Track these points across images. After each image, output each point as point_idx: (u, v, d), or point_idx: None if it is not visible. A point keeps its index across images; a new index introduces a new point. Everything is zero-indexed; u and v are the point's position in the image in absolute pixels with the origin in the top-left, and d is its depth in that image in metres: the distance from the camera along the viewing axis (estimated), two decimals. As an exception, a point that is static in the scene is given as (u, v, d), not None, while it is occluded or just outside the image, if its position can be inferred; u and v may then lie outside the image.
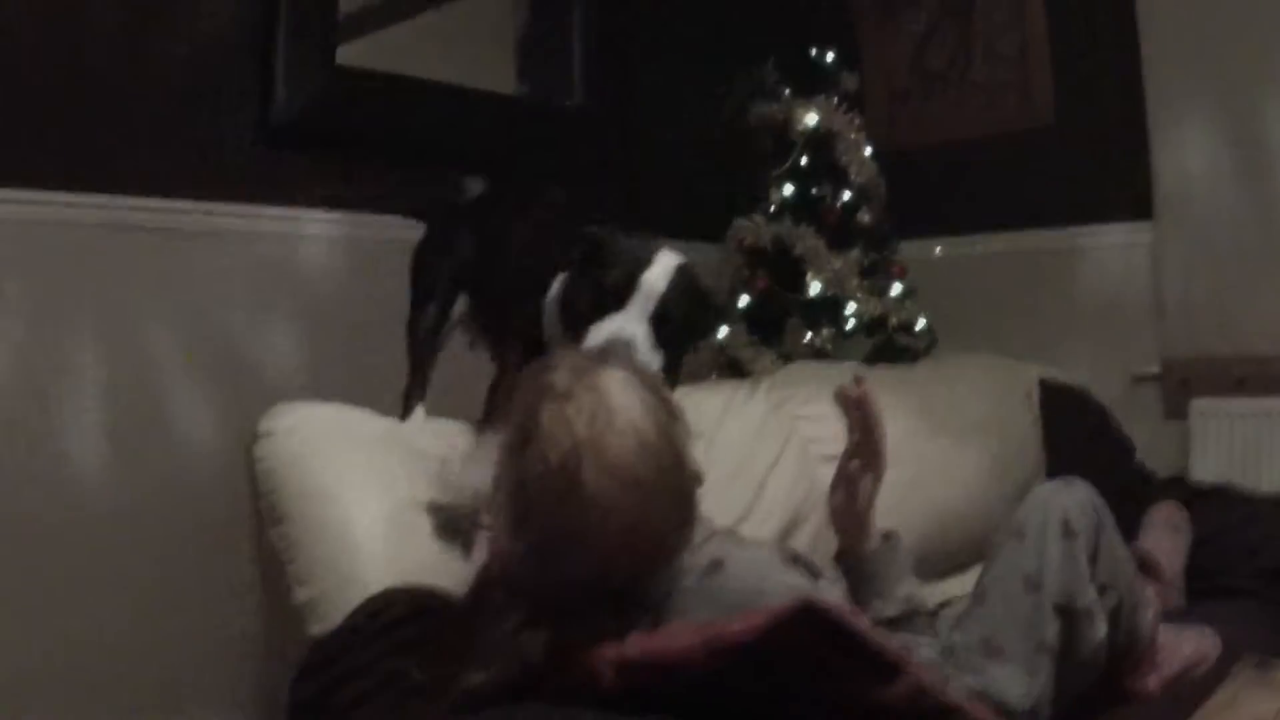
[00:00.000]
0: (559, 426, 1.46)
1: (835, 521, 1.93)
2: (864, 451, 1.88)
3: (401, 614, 1.71)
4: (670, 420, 1.54)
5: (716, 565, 1.56)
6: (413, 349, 2.15)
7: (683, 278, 1.83)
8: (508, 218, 2.19)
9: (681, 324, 1.81)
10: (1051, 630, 1.68)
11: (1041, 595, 1.69)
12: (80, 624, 2.42)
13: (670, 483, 1.50)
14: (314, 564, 1.78)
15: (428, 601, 1.74)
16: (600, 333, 1.74)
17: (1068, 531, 1.72)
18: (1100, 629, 1.72)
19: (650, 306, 1.77)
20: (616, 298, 1.77)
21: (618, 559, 1.47)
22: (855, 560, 1.88)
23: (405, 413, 2.08)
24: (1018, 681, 1.66)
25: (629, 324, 1.75)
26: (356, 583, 1.74)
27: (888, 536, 1.91)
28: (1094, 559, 1.74)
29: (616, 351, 1.68)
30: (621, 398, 1.50)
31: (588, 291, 1.79)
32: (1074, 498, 1.77)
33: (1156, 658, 1.91)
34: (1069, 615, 1.69)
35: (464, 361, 2.19)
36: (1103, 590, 1.75)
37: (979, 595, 1.76)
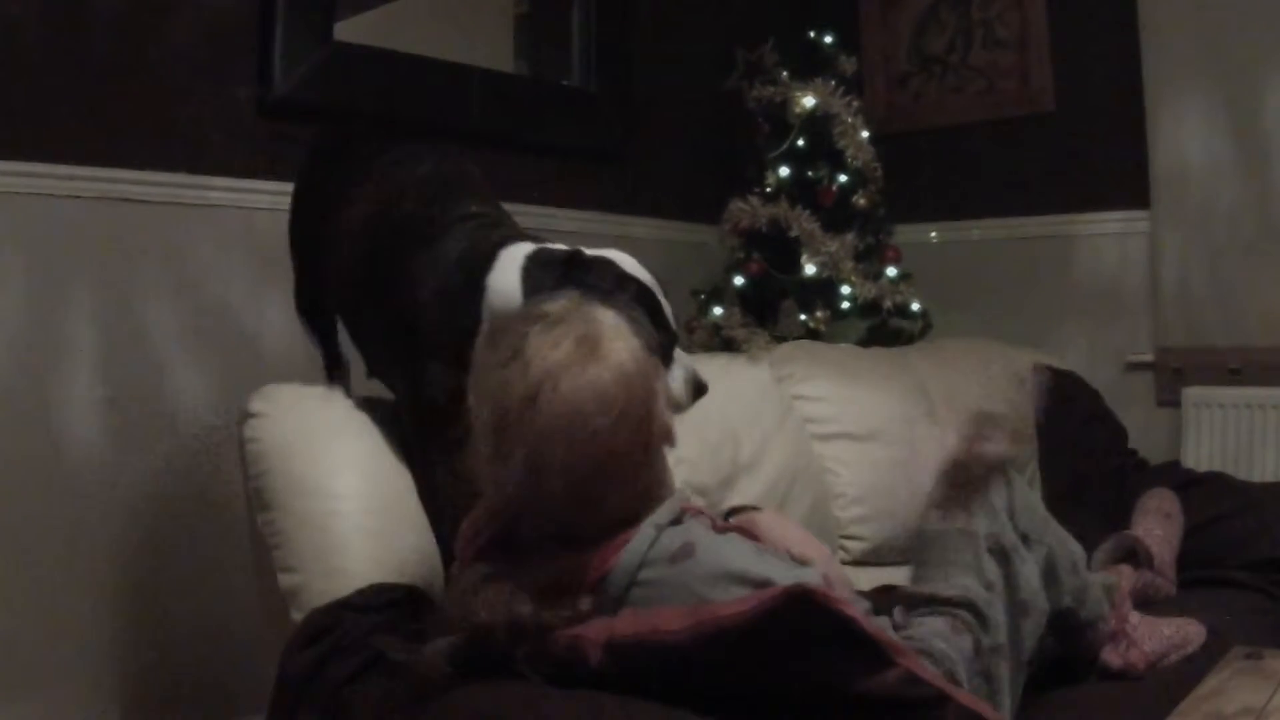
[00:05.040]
0: (545, 347, 1.50)
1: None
2: None
3: (391, 600, 1.74)
4: (652, 366, 1.57)
5: (687, 549, 1.55)
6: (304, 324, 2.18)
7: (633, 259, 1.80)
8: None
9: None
10: (992, 569, 1.73)
11: (976, 541, 1.74)
12: (74, 601, 2.42)
13: (638, 412, 1.52)
14: (298, 555, 1.79)
15: (414, 594, 1.77)
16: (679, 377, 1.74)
17: None
18: (1032, 569, 1.77)
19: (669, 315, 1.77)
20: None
21: (582, 467, 1.49)
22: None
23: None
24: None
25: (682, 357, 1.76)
26: (339, 575, 1.75)
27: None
28: (1011, 514, 1.80)
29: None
30: (611, 331, 1.54)
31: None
32: None
33: (1133, 634, 1.93)
34: (1001, 555, 1.74)
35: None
36: (1026, 539, 1.80)
37: (921, 562, 1.80)
